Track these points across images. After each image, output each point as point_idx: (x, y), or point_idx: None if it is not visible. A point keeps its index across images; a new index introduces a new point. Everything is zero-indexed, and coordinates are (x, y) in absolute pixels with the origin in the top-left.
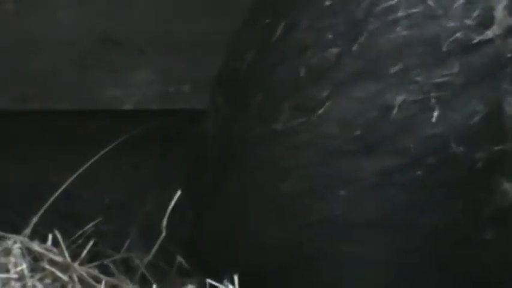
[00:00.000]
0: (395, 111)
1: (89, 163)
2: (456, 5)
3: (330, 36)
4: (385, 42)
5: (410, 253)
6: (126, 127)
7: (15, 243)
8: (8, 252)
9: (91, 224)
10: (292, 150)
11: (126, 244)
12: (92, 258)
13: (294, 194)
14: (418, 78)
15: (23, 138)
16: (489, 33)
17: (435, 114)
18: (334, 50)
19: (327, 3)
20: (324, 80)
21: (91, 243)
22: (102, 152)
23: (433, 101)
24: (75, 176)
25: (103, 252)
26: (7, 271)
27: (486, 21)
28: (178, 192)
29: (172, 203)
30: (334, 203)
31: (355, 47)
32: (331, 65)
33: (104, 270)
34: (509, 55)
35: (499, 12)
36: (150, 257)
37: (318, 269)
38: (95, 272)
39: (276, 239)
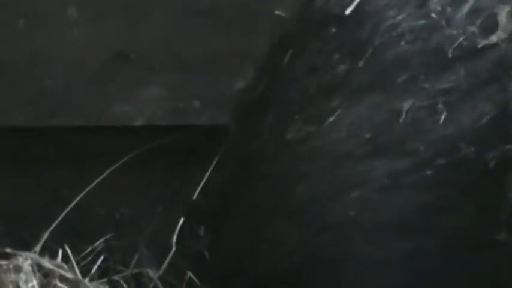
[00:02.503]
0: (403, 116)
1: (98, 179)
2: (459, 14)
3: (337, 56)
4: (390, 56)
5: (423, 257)
6: (137, 143)
7: (26, 259)
8: (18, 269)
9: (101, 240)
10: (304, 157)
11: (136, 259)
12: (102, 274)
13: (309, 199)
14: (425, 85)
15: (35, 154)
16: (493, 38)
17: (443, 117)
18: (342, 67)
19: (333, 30)
20: (333, 93)
21: (101, 258)
22: (111, 168)
23: (440, 105)
24: (85, 191)
25: (113, 268)
26: None
27: (490, 27)
28: (188, 207)
29: (182, 218)
30: (347, 206)
31: (361, 63)
32: (339, 80)
33: (114, 286)
34: None
35: (503, 17)
36: (160, 272)
37: (336, 272)
38: None
39: (293, 243)
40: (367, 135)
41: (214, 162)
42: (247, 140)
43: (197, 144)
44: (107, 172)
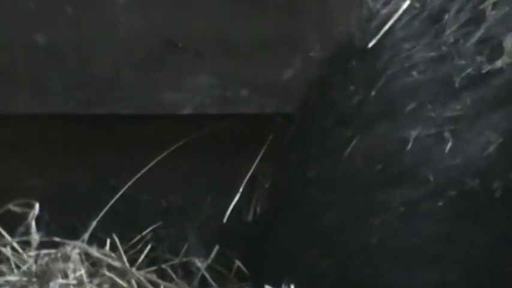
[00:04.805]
0: (410, 144)
1: (147, 167)
2: (468, 45)
3: (353, 87)
4: (400, 86)
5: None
6: (185, 131)
7: (74, 248)
8: (66, 257)
9: (149, 229)
10: (327, 189)
11: (184, 248)
12: (150, 262)
13: (336, 227)
14: (432, 114)
15: (82, 141)
16: (498, 63)
17: (449, 145)
18: (356, 98)
19: (354, 63)
20: (347, 124)
21: (149, 247)
22: (160, 157)
23: (446, 133)
24: (133, 180)
25: (161, 257)
26: (66, 277)
27: (496, 53)
28: (236, 197)
29: (231, 207)
30: (371, 233)
31: (373, 92)
32: (353, 110)
33: (163, 274)
34: None
35: (508, 43)
36: (209, 261)
37: None
38: (153, 277)
39: (324, 267)
40: (380, 166)
41: (262, 151)
42: (278, 179)
43: (245, 133)
44: (155, 161)
